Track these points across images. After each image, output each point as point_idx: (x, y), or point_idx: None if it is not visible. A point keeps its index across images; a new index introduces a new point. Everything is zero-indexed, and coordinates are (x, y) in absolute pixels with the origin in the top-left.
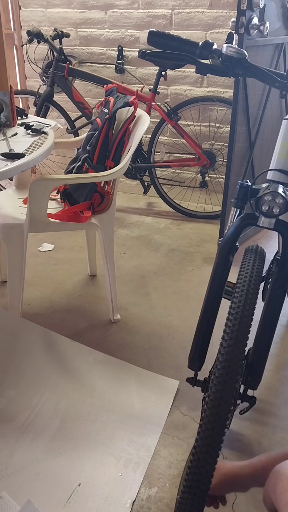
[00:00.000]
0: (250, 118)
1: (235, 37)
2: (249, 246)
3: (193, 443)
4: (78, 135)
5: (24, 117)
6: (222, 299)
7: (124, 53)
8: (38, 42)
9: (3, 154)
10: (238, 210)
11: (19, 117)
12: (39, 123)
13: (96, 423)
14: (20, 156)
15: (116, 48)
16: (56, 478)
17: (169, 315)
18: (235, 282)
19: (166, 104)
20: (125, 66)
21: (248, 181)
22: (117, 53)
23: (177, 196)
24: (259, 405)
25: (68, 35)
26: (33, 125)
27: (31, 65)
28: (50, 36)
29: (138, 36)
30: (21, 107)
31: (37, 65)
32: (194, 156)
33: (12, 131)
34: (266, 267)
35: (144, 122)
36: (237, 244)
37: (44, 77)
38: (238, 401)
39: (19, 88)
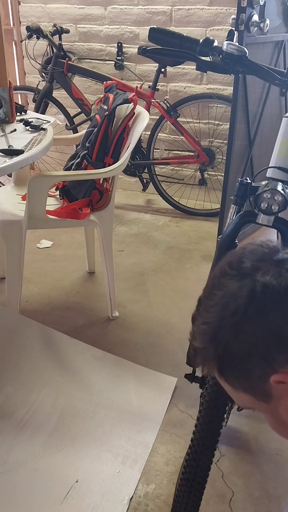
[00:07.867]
0: (249, 115)
1: (236, 34)
2: (248, 243)
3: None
4: (77, 132)
5: (23, 113)
6: None
7: (124, 50)
8: (38, 38)
9: (2, 151)
10: (238, 207)
11: (18, 113)
12: (38, 119)
13: (94, 420)
14: (19, 152)
15: (116, 45)
16: (54, 475)
17: (168, 313)
18: None
19: (165, 101)
20: (124, 63)
21: (247, 178)
22: (116, 49)
23: (176, 193)
24: None
25: (67, 31)
26: (32, 121)
27: (30, 61)
28: (50, 32)
29: (138, 32)
30: (20, 103)
31: (36, 61)
32: (193, 154)
33: (11, 127)
34: None
35: (144, 119)
36: (236, 241)
37: (43, 73)
38: None
39: (18, 84)
